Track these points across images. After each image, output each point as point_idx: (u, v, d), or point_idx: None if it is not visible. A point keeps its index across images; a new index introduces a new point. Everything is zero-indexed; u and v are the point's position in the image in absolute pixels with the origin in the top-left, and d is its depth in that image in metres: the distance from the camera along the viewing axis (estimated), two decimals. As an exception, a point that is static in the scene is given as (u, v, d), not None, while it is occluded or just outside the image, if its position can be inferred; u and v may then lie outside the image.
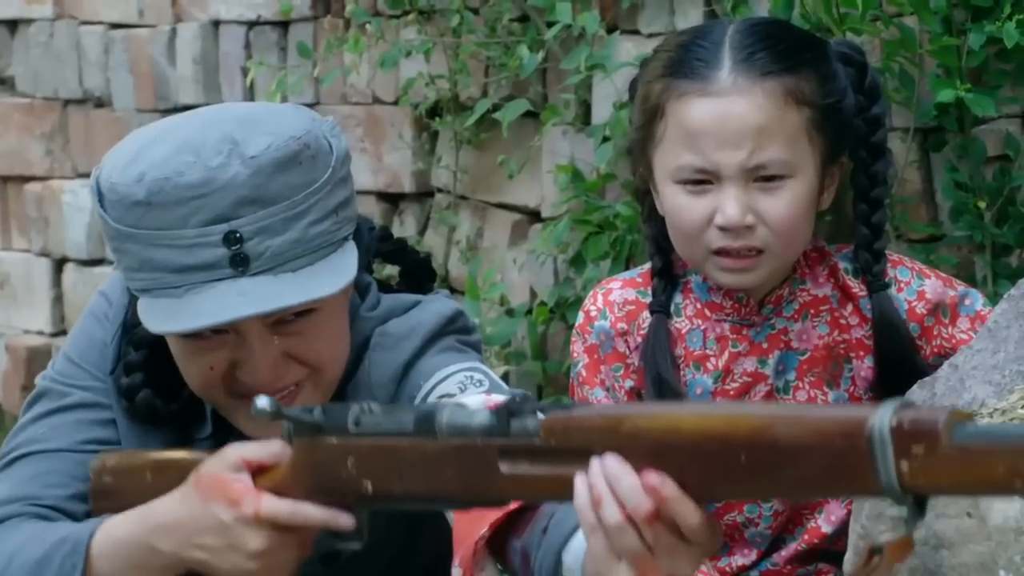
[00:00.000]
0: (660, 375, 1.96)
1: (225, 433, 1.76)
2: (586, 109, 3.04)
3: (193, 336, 1.66)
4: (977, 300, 1.99)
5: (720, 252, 1.91)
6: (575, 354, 2.02)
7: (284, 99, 3.58)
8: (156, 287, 1.64)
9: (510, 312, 3.18)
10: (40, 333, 4.51)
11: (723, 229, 1.89)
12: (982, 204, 2.48)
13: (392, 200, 3.51)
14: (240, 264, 1.61)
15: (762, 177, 1.88)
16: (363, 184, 3.54)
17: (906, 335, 1.96)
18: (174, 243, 1.61)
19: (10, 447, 1.81)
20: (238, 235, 1.61)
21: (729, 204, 1.88)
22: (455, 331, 1.82)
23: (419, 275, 1.91)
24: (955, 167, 2.52)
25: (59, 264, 4.45)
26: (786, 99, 1.88)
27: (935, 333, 1.97)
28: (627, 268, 2.92)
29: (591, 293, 2.05)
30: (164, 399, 1.76)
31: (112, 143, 4.55)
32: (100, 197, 1.66)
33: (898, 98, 2.52)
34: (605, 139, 2.86)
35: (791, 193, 1.89)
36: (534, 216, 3.21)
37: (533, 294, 3.18)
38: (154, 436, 1.78)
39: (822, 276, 2.01)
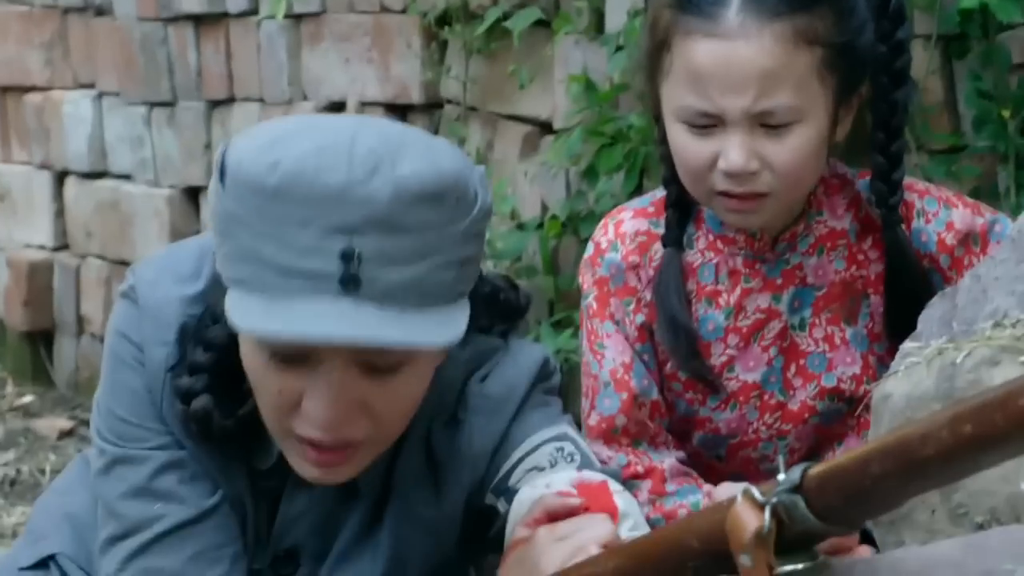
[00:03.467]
0: (672, 315, 1.93)
1: (288, 465, 1.67)
2: (599, 18, 2.99)
3: (272, 352, 1.55)
4: (1008, 225, 1.95)
5: (724, 194, 1.86)
6: (585, 285, 1.98)
7: (289, 7, 3.53)
8: (253, 281, 1.51)
9: (521, 226, 3.15)
10: (42, 247, 4.48)
11: (727, 174, 1.84)
12: (1006, 113, 2.44)
13: (400, 111, 3.46)
14: (350, 285, 1.49)
15: (768, 123, 1.83)
16: (370, 95, 3.50)
17: (918, 273, 1.92)
18: (288, 242, 1.49)
19: (124, 529, 1.69)
20: (358, 254, 1.48)
21: (733, 150, 1.83)
22: (542, 380, 1.76)
23: (516, 321, 1.81)
24: (978, 75, 2.47)
25: (60, 177, 4.41)
26: (796, 41, 1.81)
27: (966, 263, 1.93)
28: (640, 181, 2.89)
29: (601, 223, 2.00)
30: (221, 412, 1.65)
31: (113, 52, 4.50)
32: (222, 173, 1.54)
33: (920, 3, 2.47)
34: (619, 48, 2.81)
35: (799, 138, 1.83)
36: (546, 128, 3.17)
37: (544, 207, 3.15)
38: (216, 457, 1.69)
39: (841, 207, 1.96)
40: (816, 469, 1.18)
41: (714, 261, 1.96)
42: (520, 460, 1.71)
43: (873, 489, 1.14)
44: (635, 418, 1.95)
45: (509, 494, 1.70)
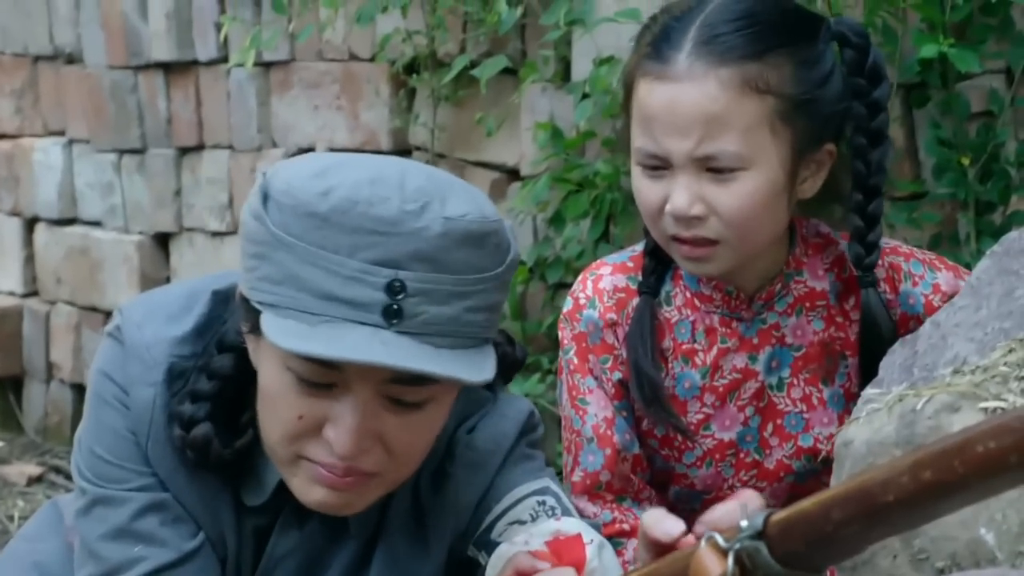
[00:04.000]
0: (639, 365, 1.93)
1: (281, 503, 1.69)
2: (565, 66, 3.02)
3: (300, 377, 1.55)
4: None
5: (676, 238, 1.86)
6: (565, 340, 1.98)
7: (259, 56, 3.55)
8: (289, 307, 1.51)
9: (488, 271, 3.15)
10: (11, 294, 4.47)
11: (673, 217, 1.84)
12: (966, 161, 2.46)
13: (368, 158, 3.48)
14: (392, 317, 1.50)
15: (713, 168, 1.82)
16: (339, 142, 3.51)
17: (889, 337, 1.91)
18: (334, 269, 1.49)
19: (103, 571, 1.68)
20: (403, 287, 1.50)
21: (677, 193, 1.83)
22: (527, 434, 1.77)
23: (513, 375, 1.82)
24: (938, 123, 2.50)
25: (30, 223, 4.41)
26: (743, 88, 1.80)
27: None
28: (607, 227, 2.91)
29: (580, 277, 2.00)
30: (220, 440, 1.65)
31: (83, 100, 4.50)
32: (265, 196, 1.53)
33: (882, 52, 2.49)
34: (585, 96, 2.83)
35: (745, 186, 1.82)
36: (513, 174, 3.18)
37: (512, 253, 3.15)
38: (204, 492, 1.69)
39: (822, 268, 1.96)
40: (778, 515, 1.19)
41: (691, 319, 1.95)
42: (503, 513, 1.72)
43: (835, 535, 1.16)
44: (619, 473, 1.94)
45: (490, 547, 1.70)
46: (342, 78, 3.51)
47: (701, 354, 1.95)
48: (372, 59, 3.38)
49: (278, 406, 1.58)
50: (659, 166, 1.84)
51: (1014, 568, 1.41)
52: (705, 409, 1.95)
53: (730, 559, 1.20)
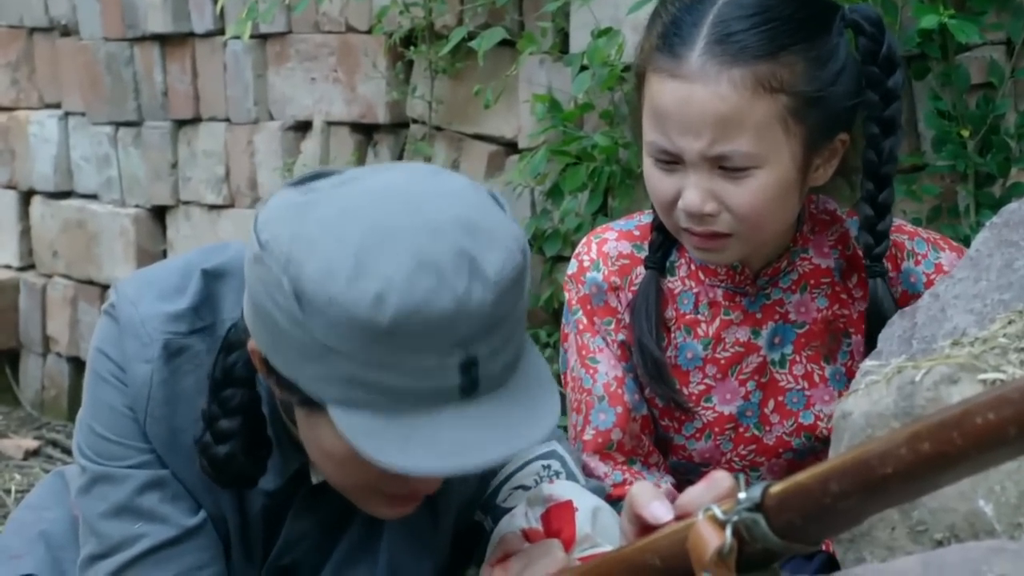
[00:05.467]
0: (640, 339, 1.92)
1: (295, 486, 1.69)
2: (564, 38, 3.01)
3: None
4: None
5: (687, 231, 1.86)
6: (572, 302, 1.97)
7: (255, 28, 3.54)
8: (360, 404, 1.45)
9: (486, 244, 3.14)
10: (7, 267, 4.46)
11: (686, 213, 1.84)
12: (965, 133, 2.45)
13: (366, 131, 3.47)
14: (470, 391, 1.46)
15: (726, 166, 1.81)
16: (336, 115, 3.51)
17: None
18: (406, 370, 1.44)
19: (104, 548, 1.69)
20: (476, 361, 1.45)
21: (690, 191, 1.83)
22: None
23: None
24: (938, 95, 2.49)
25: (26, 196, 4.40)
26: (755, 88, 1.78)
27: None
28: (605, 200, 2.90)
29: (585, 240, 2.00)
30: (248, 462, 1.64)
31: (79, 72, 4.47)
32: (300, 302, 1.43)
33: (881, 25, 2.48)
34: (583, 68, 2.82)
35: (758, 182, 1.81)
36: (511, 147, 3.17)
37: (509, 226, 3.14)
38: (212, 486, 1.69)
39: (827, 244, 1.96)
40: (776, 488, 1.19)
41: (694, 290, 1.95)
42: (508, 477, 1.73)
43: (833, 507, 1.16)
44: (630, 432, 1.95)
45: (496, 512, 1.71)
46: (339, 50, 3.49)
47: (704, 325, 1.95)
48: (369, 31, 3.37)
49: (350, 468, 1.54)
50: (672, 161, 1.84)
51: (1012, 539, 1.40)
52: (707, 380, 1.95)
53: (728, 531, 1.20)
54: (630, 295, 1.95)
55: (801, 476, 1.18)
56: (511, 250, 1.49)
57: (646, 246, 1.96)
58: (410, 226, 1.46)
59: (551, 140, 2.94)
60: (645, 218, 1.99)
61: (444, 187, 1.51)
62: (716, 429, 1.96)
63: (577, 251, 1.99)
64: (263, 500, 1.71)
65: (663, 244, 1.95)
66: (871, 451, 1.13)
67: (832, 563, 1.75)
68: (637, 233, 1.98)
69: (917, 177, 2.53)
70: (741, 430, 1.96)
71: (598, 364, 1.96)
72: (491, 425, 1.46)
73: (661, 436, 1.99)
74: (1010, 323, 1.56)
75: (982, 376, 1.49)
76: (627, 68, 2.74)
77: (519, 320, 1.52)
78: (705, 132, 1.80)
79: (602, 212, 2.90)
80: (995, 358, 1.51)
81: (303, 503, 1.71)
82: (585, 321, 1.96)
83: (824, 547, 1.83)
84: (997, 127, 2.46)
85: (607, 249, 1.97)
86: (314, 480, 1.70)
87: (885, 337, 1.73)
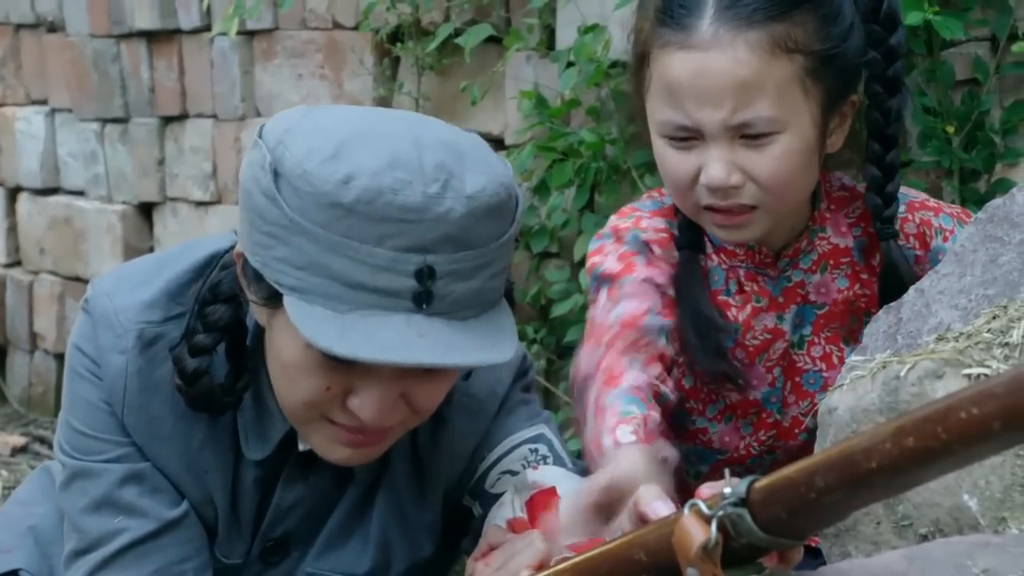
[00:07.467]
0: (700, 310, 1.87)
1: (285, 455, 1.70)
2: (550, 34, 3.01)
3: (327, 355, 1.52)
4: None
5: (711, 208, 1.82)
6: (608, 261, 1.88)
7: (242, 24, 3.53)
8: (316, 293, 1.49)
9: (473, 240, 3.14)
10: (-5, 263, 4.46)
11: (710, 188, 1.80)
12: (950, 129, 2.46)
13: (352, 127, 3.47)
14: (423, 302, 1.49)
15: (748, 135, 1.78)
16: (323, 111, 3.50)
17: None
18: (362, 258, 1.48)
19: (86, 543, 1.69)
20: (433, 272, 1.49)
21: (713, 164, 1.78)
22: (520, 378, 1.78)
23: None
24: (923, 91, 2.49)
25: (13, 193, 4.39)
26: (773, 50, 1.75)
27: None
28: (591, 196, 2.90)
29: (617, 214, 1.93)
30: (222, 389, 1.66)
31: (66, 69, 4.46)
32: (276, 174, 1.50)
33: (866, 21, 2.48)
34: (569, 64, 2.83)
35: (782, 148, 1.78)
36: (497, 143, 3.18)
37: (496, 222, 3.15)
38: (188, 455, 1.69)
39: (845, 223, 1.93)
40: (761, 482, 1.19)
41: (724, 266, 1.92)
42: (496, 462, 1.74)
43: (818, 502, 1.16)
44: (645, 328, 1.83)
45: (484, 497, 1.73)
46: (326, 47, 3.49)
47: (734, 310, 1.92)
48: (356, 27, 3.37)
49: (300, 377, 1.57)
50: (689, 137, 1.80)
51: (997, 534, 1.41)
52: (735, 364, 1.92)
53: (713, 526, 1.20)
54: (669, 268, 1.89)
55: (786, 470, 1.18)
56: (495, 182, 1.52)
57: (676, 225, 1.91)
58: (396, 134, 1.52)
59: (538, 136, 2.95)
60: (667, 200, 1.94)
61: (446, 126, 1.57)
62: (739, 411, 1.94)
63: (610, 222, 1.92)
64: (255, 472, 1.72)
65: (691, 223, 1.90)
66: (856, 446, 1.13)
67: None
68: (663, 214, 1.93)
69: (903, 173, 2.53)
70: (764, 415, 1.94)
71: (635, 271, 1.86)
72: (435, 340, 1.49)
73: (680, 422, 1.95)
74: (994, 318, 1.56)
75: (966, 371, 1.49)
76: (614, 64, 2.74)
77: (493, 260, 1.53)
78: (726, 100, 1.76)
79: (589, 208, 2.91)
80: (979, 353, 1.51)
81: (293, 471, 1.72)
82: (619, 266, 1.86)
83: (812, 542, 1.83)
84: (982, 123, 2.46)
85: (644, 223, 1.91)
86: (301, 447, 1.71)
87: (870, 332, 1.74)
